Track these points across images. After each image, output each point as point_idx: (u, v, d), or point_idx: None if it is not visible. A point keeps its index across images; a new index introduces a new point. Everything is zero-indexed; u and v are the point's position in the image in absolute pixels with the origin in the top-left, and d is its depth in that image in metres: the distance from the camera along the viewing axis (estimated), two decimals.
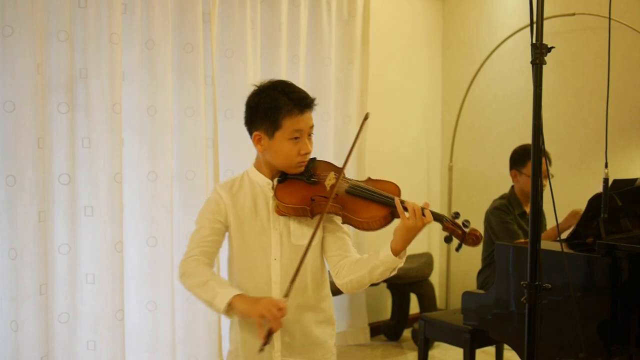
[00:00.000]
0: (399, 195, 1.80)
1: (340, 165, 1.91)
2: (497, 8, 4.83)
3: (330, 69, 4.22)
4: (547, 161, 3.44)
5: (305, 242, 1.83)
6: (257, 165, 1.93)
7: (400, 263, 1.77)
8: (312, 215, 1.84)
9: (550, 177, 3.48)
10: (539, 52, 1.85)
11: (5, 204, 2.88)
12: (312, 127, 1.87)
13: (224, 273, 2.06)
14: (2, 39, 2.85)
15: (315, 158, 1.92)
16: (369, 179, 1.91)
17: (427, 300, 4.67)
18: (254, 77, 3.77)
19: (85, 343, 3.14)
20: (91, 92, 3.12)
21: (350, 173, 4.10)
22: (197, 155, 3.48)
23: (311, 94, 1.89)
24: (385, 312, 4.89)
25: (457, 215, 1.79)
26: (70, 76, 3.07)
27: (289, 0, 3.97)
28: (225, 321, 3.74)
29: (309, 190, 1.85)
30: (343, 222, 1.85)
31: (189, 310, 3.47)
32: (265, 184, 1.90)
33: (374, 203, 1.80)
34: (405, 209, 1.73)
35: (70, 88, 3.08)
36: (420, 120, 5.14)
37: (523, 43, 4.52)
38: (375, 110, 4.67)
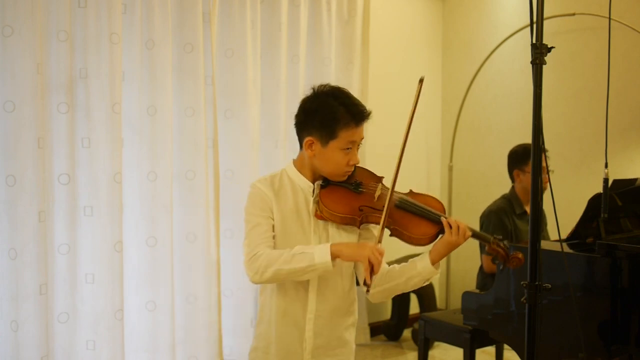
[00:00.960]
0: (443, 212, 1.88)
1: (379, 173, 1.97)
2: (497, 8, 4.83)
3: (330, 69, 4.21)
4: (546, 157, 3.44)
5: None
6: (299, 166, 1.92)
7: (437, 274, 1.86)
8: (360, 225, 1.87)
9: (550, 172, 3.49)
10: (539, 52, 1.85)
11: (5, 204, 2.88)
12: (362, 138, 1.91)
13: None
14: (2, 39, 2.85)
15: (353, 165, 1.93)
16: (411, 192, 1.95)
17: (427, 300, 4.67)
18: (254, 77, 3.77)
19: (84, 343, 3.13)
20: (91, 92, 3.12)
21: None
22: (197, 155, 3.48)
23: (353, 95, 1.91)
24: (385, 312, 4.89)
25: (501, 238, 1.90)
26: (70, 76, 3.07)
27: (289, 0, 3.97)
28: (227, 322, 3.75)
29: (356, 200, 1.87)
30: (391, 235, 1.87)
31: (188, 310, 3.47)
32: (307, 187, 1.89)
33: (424, 220, 1.86)
34: (450, 225, 1.81)
35: (70, 88, 3.08)
36: (420, 120, 5.14)
37: (523, 43, 4.52)
38: (375, 110, 4.64)
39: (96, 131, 3.13)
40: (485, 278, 3.44)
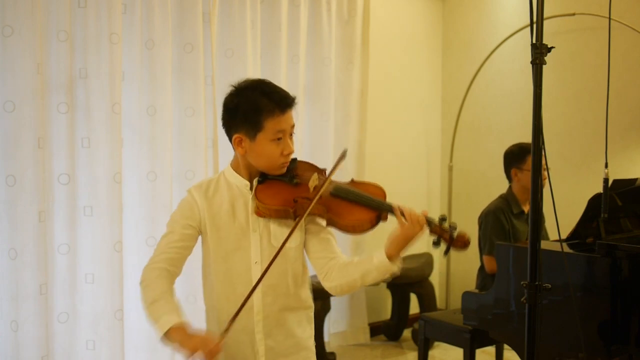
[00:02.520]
0: (384, 198, 1.79)
1: (322, 166, 1.89)
2: (497, 8, 4.83)
3: (330, 69, 4.21)
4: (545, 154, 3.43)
5: (287, 244, 1.78)
6: (235, 167, 1.87)
7: (395, 268, 1.75)
8: (295, 217, 1.79)
9: (548, 169, 3.48)
10: (539, 52, 1.85)
11: (5, 204, 2.88)
12: (293, 126, 1.82)
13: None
14: (2, 39, 2.85)
15: (296, 158, 1.88)
16: (353, 180, 1.88)
17: (427, 300, 4.67)
18: (254, 77, 3.77)
19: (84, 343, 3.14)
20: (91, 92, 3.12)
21: (350, 173, 4.10)
22: (197, 155, 3.48)
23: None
24: (385, 312, 4.89)
25: (444, 218, 1.77)
26: (70, 76, 3.07)
27: (289, 0, 3.97)
28: None
29: (291, 192, 1.80)
30: (327, 225, 1.81)
31: (188, 310, 3.45)
32: (243, 186, 1.84)
33: (359, 206, 1.77)
34: (402, 213, 1.71)
35: (70, 88, 3.08)
36: (420, 120, 5.14)
37: (523, 43, 4.52)
38: (375, 110, 4.68)
39: (96, 131, 3.13)
40: (485, 278, 3.44)
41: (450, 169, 5.08)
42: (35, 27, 2.90)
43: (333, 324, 4.44)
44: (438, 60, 5.24)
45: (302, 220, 1.80)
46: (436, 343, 4.44)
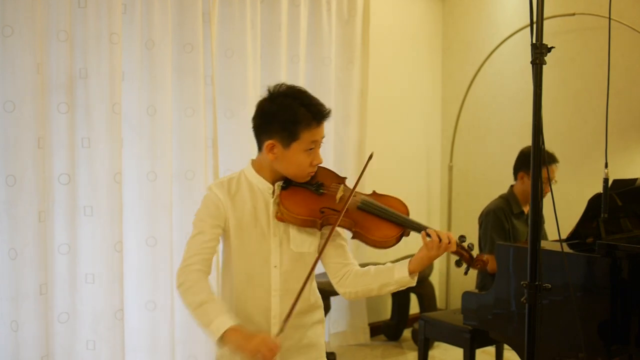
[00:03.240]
0: (407, 213, 1.84)
1: (342, 173, 1.91)
2: (497, 8, 4.83)
3: (330, 69, 4.21)
4: (555, 166, 3.43)
5: (305, 249, 1.84)
6: (258, 168, 1.87)
7: (413, 283, 1.81)
8: (321, 227, 1.82)
9: (554, 183, 3.47)
10: (539, 52, 1.85)
11: (5, 204, 2.88)
12: (323, 137, 1.85)
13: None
14: (2, 39, 2.85)
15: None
16: (374, 193, 1.90)
17: (427, 300, 4.67)
18: (254, 77, 3.77)
19: (84, 343, 3.14)
20: (91, 92, 3.12)
21: (349, 173, 4.10)
22: (197, 155, 3.48)
23: (311, 93, 1.88)
24: (385, 312, 4.89)
25: (464, 238, 1.82)
26: (70, 76, 3.07)
27: (289, 0, 3.97)
28: None
29: (317, 202, 1.82)
30: (353, 238, 1.84)
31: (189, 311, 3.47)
32: (266, 189, 1.85)
33: (386, 222, 1.81)
34: (428, 235, 1.76)
35: (70, 88, 3.08)
36: (420, 120, 5.14)
37: (523, 43, 4.52)
38: (375, 110, 4.68)
39: (96, 131, 3.13)
40: (485, 278, 3.44)
41: (450, 169, 5.08)
42: (35, 27, 2.89)
43: (333, 324, 4.44)
44: (438, 60, 5.24)
45: (319, 230, 1.84)
46: (436, 343, 4.44)
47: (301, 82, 4.04)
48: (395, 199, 1.88)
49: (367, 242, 1.81)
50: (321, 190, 1.84)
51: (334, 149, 4.24)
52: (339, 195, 1.83)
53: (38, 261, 2.92)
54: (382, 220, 1.81)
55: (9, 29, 2.85)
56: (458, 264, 1.83)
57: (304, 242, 1.84)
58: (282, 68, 3.91)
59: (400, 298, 4.67)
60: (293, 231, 1.84)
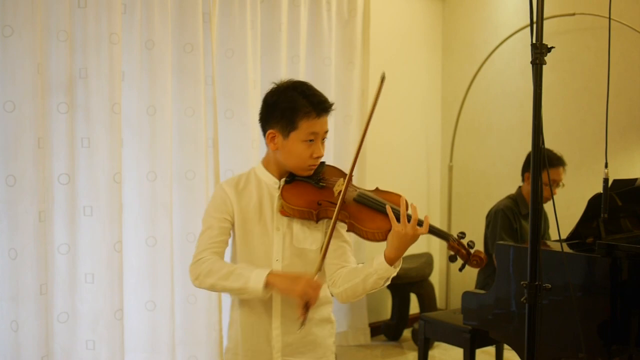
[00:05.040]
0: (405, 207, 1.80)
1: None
2: (497, 8, 4.83)
3: (330, 69, 4.21)
4: (563, 169, 3.42)
5: (307, 246, 1.84)
6: (266, 164, 1.91)
7: (394, 272, 1.76)
8: (317, 220, 1.83)
9: (562, 186, 3.45)
10: (539, 52, 1.85)
11: (5, 204, 2.88)
12: (327, 131, 1.87)
13: None
14: (2, 39, 2.85)
15: (324, 162, 1.91)
16: (377, 189, 1.89)
17: (427, 300, 4.67)
18: (254, 77, 3.77)
19: (84, 343, 3.14)
20: (91, 92, 3.12)
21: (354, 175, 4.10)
22: (197, 155, 3.48)
23: (316, 88, 1.89)
24: (385, 312, 4.89)
25: (463, 235, 1.79)
26: (70, 76, 3.07)
27: (289, 1, 3.97)
28: (227, 322, 3.75)
29: (316, 194, 1.83)
30: (348, 230, 1.83)
31: (188, 310, 3.47)
32: (272, 183, 1.88)
33: (380, 214, 1.78)
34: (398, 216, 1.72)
35: (70, 88, 3.08)
36: (420, 120, 5.14)
37: (523, 43, 4.52)
38: (376, 110, 4.67)
39: (96, 131, 3.13)
40: (487, 277, 3.45)
41: (450, 168, 5.08)
42: (35, 27, 2.89)
43: None
44: (438, 60, 5.24)
45: (324, 224, 1.85)
46: (436, 343, 4.44)
47: None
48: (396, 194, 1.86)
49: (361, 234, 1.79)
50: (321, 184, 1.86)
51: (334, 149, 4.25)
52: (337, 188, 1.83)
53: (38, 261, 2.92)
54: (377, 212, 1.78)
55: (9, 29, 2.85)
56: (452, 259, 1.78)
57: (307, 238, 1.85)
58: (282, 68, 3.91)
59: (400, 298, 4.67)
60: (296, 227, 1.84)
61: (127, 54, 3.28)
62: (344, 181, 1.84)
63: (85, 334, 3.13)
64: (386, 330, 4.73)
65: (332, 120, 4.43)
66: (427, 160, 5.18)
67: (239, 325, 1.91)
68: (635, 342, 2.49)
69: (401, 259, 1.77)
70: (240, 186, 1.89)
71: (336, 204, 1.77)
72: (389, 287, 4.68)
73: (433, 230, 1.75)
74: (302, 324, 1.72)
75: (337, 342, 4.48)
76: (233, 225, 1.88)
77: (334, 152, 4.24)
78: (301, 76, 4.05)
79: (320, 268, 1.76)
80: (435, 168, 5.24)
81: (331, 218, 1.78)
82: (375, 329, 4.71)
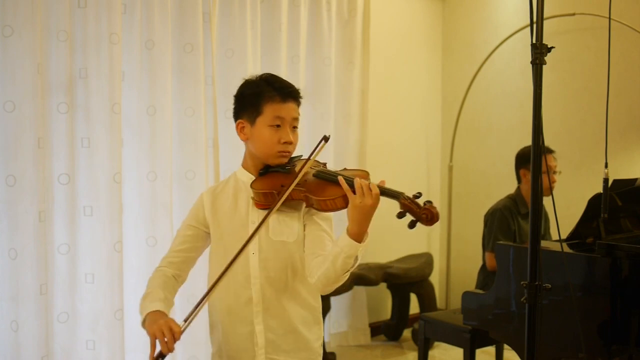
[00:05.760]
0: (366, 179, 1.71)
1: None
2: (497, 8, 4.83)
3: (330, 69, 4.21)
4: (552, 158, 3.44)
5: (284, 238, 1.80)
6: (245, 164, 1.93)
7: (361, 248, 1.64)
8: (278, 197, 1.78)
9: (558, 173, 3.47)
10: (539, 52, 1.85)
11: (5, 204, 2.88)
12: (295, 119, 1.85)
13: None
14: (2, 39, 2.85)
15: (301, 156, 1.91)
16: (345, 169, 1.87)
17: (427, 300, 4.67)
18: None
19: (84, 343, 3.14)
20: (91, 92, 3.12)
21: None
22: (197, 155, 3.48)
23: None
24: (385, 312, 4.89)
25: (419, 194, 1.67)
26: (70, 76, 3.07)
27: (289, 1, 3.97)
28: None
29: (281, 179, 1.82)
30: (306, 206, 1.81)
31: (188, 310, 3.46)
32: (248, 180, 1.88)
33: (334, 184, 1.73)
34: (352, 186, 1.66)
35: (70, 88, 3.08)
36: (420, 120, 5.14)
37: (523, 43, 4.52)
38: (376, 110, 4.68)
39: (96, 131, 3.13)
40: (487, 277, 3.45)
41: (450, 168, 5.08)
42: (35, 27, 2.89)
43: (333, 324, 4.44)
44: (438, 60, 5.24)
45: (300, 216, 1.82)
46: (436, 343, 4.44)
47: (301, 82, 4.03)
48: (363, 171, 1.81)
49: (316, 204, 1.75)
50: (287, 168, 1.85)
51: (334, 149, 4.24)
52: (297, 168, 1.82)
53: (38, 261, 2.92)
54: (332, 184, 1.73)
55: (9, 29, 2.85)
56: (400, 215, 1.65)
57: (283, 231, 1.81)
58: (282, 68, 3.91)
59: (400, 298, 4.67)
60: (272, 220, 1.81)
61: (127, 54, 3.28)
62: (311, 163, 1.79)
63: (85, 334, 3.13)
64: (386, 330, 4.73)
65: (331, 121, 4.44)
66: (427, 160, 5.18)
67: (220, 329, 1.92)
68: (635, 342, 2.49)
69: (367, 233, 1.66)
70: (218, 190, 1.93)
71: (297, 184, 1.75)
72: (389, 287, 4.68)
73: (383, 191, 1.66)
74: None
75: (337, 342, 4.48)
76: (208, 230, 1.91)
77: (334, 152, 4.23)
78: (301, 76, 4.05)
79: (194, 313, 1.77)
80: (435, 168, 5.24)
81: (295, 199, 1.78)
82: (375, 329, 4.71)
